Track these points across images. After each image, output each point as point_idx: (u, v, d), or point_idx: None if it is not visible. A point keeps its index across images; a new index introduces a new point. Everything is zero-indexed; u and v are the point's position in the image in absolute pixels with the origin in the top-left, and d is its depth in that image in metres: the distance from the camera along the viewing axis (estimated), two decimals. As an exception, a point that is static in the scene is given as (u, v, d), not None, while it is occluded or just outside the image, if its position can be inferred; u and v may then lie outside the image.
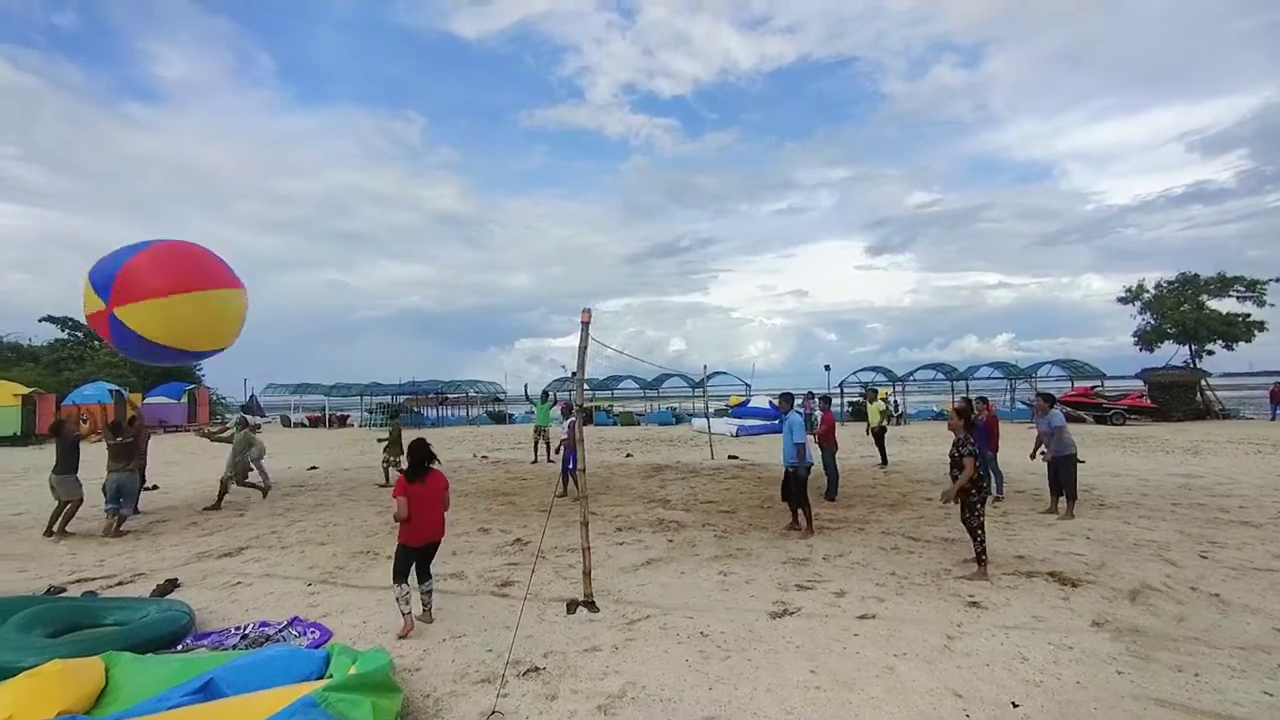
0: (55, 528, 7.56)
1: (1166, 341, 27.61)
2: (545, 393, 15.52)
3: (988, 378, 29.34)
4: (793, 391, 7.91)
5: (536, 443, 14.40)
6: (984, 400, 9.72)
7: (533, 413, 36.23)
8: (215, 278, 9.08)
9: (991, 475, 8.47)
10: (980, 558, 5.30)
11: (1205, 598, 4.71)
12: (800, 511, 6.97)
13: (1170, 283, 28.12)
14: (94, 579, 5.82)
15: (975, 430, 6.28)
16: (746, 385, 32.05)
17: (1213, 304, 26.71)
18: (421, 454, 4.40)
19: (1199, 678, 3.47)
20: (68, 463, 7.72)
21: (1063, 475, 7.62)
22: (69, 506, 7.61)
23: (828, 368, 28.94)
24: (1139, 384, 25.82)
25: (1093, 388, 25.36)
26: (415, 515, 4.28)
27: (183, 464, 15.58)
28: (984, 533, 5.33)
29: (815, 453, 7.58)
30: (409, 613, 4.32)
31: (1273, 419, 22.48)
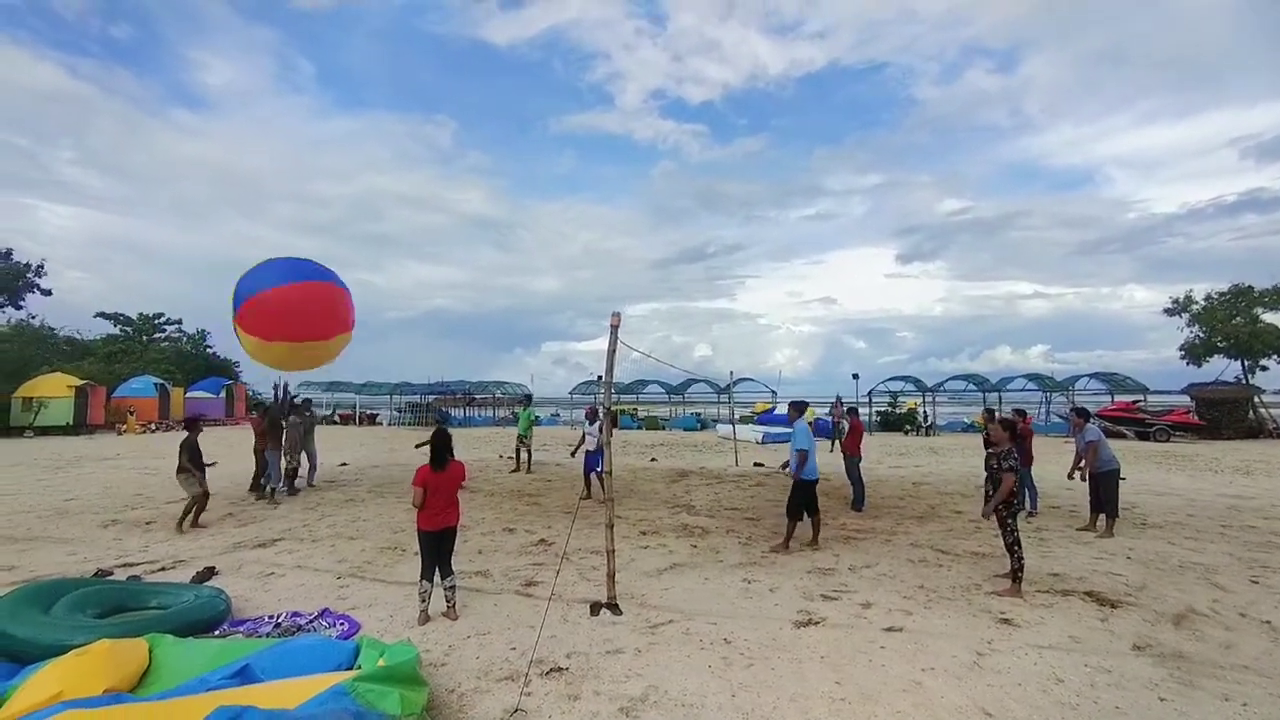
0: (185, 523, 7.53)
1: (1216, 356, 26.39)
2: (528, 395, 14.37)
3: (1022, 389, 28.50)
4: (806, 399, 7.61)
5: (519, 450, 13.10)
6: (1021, 413, 9.45)
7: (557, 415, 36.44)
8: (328, 328, 9.61)
9: (1025, 490, 8.22)
10: (1016, 574, 5.15)
11: (1256, 624, 4.49)
12: (791, 525, 6.61)
13: (1221, 294, 26.87)
14: (138, 564, 6.07)
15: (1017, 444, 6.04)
16: (773, 392, 31.75)
17: (1268, 317, 25.45)
18: (444, 444, 4.73)
19: (1247, 707, 3.31)
20: (192, 463, 7.68)
21: (1104, 491, 7.35)
22: (197, 503, 7.61)
23: (856, 376, 28.52)
24: (1184, 399, 24.75)
25: (1135, 402, 24.42)
26: (432, 502, 4.58)
27: (220, 457, 16.12)
28: (1021, 549, 5.18)
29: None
30: (424, 608, 4.59)
31: (1332, 439, 21.31)
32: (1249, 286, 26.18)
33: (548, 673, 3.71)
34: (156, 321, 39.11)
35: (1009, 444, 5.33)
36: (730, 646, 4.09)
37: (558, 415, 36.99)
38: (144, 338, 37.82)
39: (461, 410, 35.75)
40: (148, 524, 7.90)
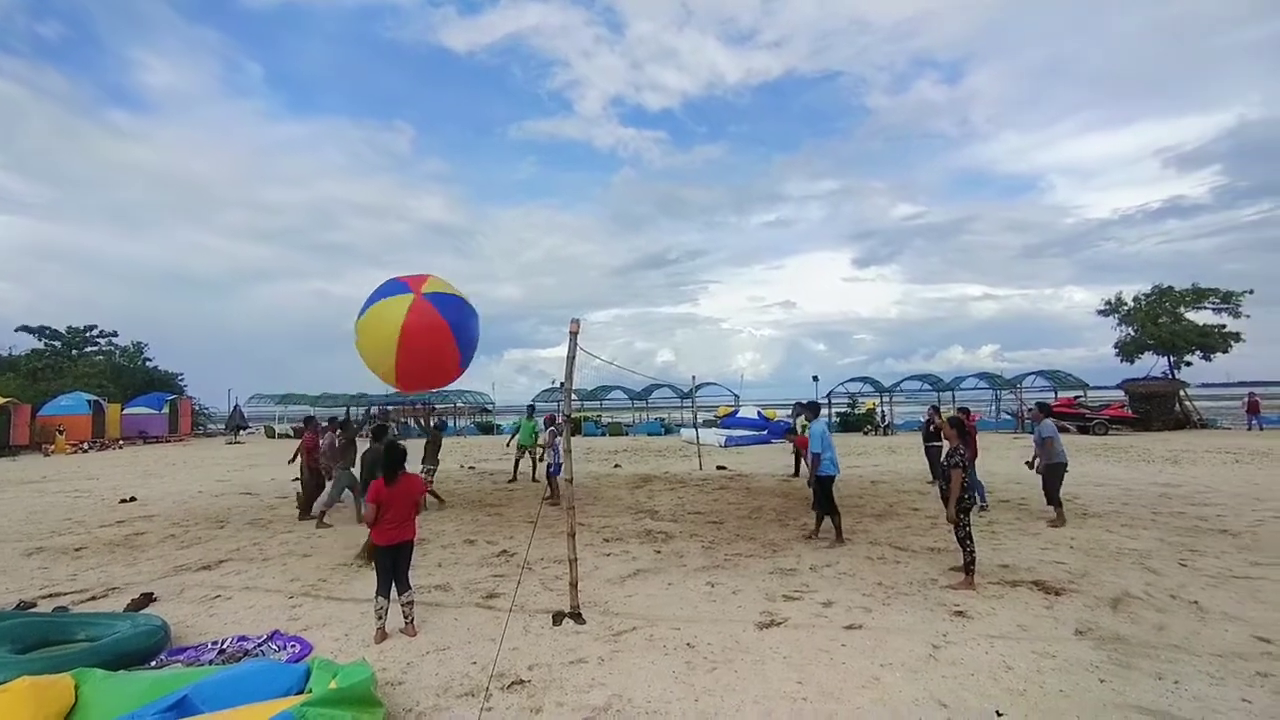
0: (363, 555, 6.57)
1: (1146, 353, 28.10)
2: (531, 406, 13.91)
3: (974, 388, 29.67)
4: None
5: (518, 460, 12.81)
6: (965, 410, 9.91)
7: (518, 424, 36.01)
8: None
9: (973, 485, 8.56)
10: (969, 567, 5.34)
11: (1185, 605, 4.77)
12: (835, 518, 7.06)
13: (1147, 295, 28.67)
14: (65, 594, 5.67)
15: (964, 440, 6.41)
16: (735, 396, 32.15)
17: (1190, 315, 27.25)
18: (398, 458, 4.64)
19: (1179, 685, 3.51)
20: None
21: (1046, 483, 7.81)
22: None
23: (816, 378, 29.22)
24: (1120, 394, 26.25)
25: (1076, 398, 25.75)
26: (387, 517, 4.49)
27: (162, 476, 15.29)
28: (973, 543, 5.38)
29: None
30: (381, 625, 4.44)
31: (1249, 429, 22.94)
32: (1169, 287, 28.02)
33: (509, 686, 3.63)
34: (88, 334, 36.77)
35: (957, 442, 5.53)
36: (694, 651, 4.09)
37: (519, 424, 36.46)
38: (73, 351, 35.49)
39: (423, 420, 34.85)
40: (77, 550, 7.40)
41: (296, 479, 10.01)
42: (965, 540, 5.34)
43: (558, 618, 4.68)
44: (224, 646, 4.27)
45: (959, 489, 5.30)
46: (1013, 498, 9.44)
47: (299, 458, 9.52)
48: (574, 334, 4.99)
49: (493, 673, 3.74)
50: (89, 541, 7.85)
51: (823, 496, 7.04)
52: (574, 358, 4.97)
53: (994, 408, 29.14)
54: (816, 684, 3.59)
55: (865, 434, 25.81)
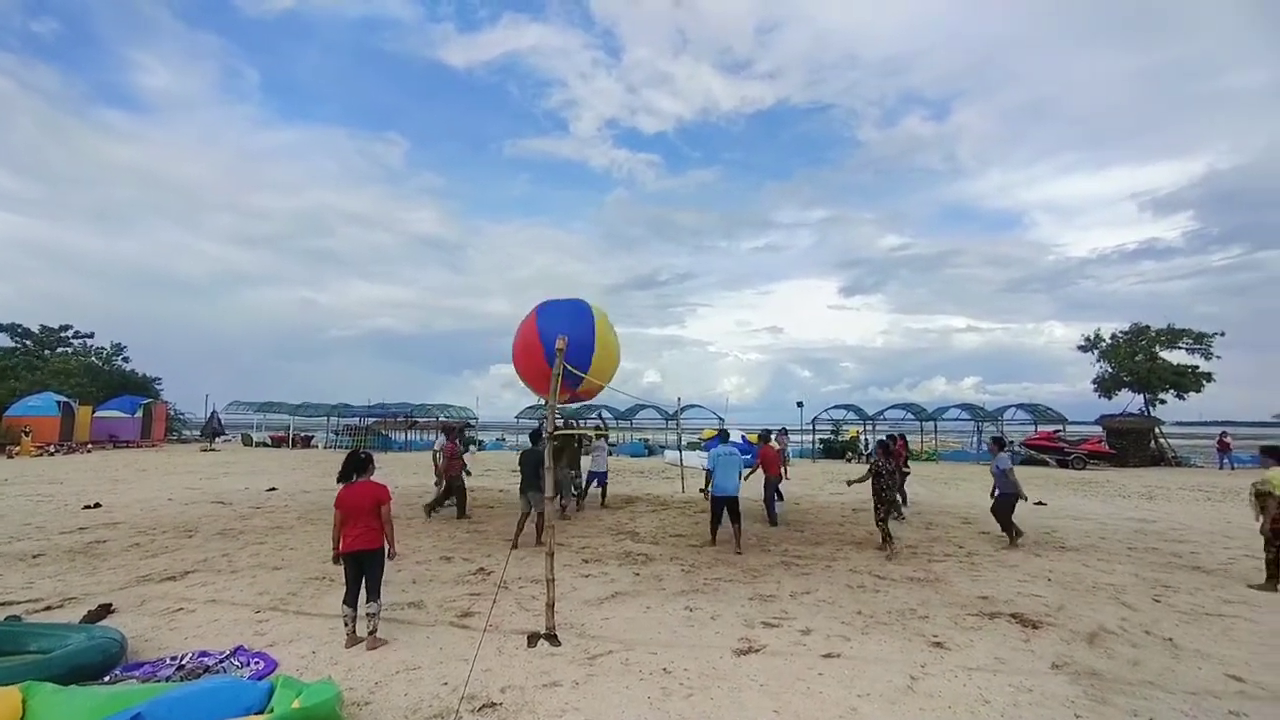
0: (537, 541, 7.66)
1: (1123, 389, 28.66)
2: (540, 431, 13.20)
3: (955, 419, 29.94)
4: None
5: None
6: (894, 438, 11.33)
7: (502, 440, 35.48)
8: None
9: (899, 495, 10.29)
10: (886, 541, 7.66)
11: (1159, 642, 4.80)
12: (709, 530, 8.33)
13: (1124, 333, 29.37)
14: (19, 602, 5.44)
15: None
16: (720, 419, 32.12)
17: (1165, 355, 27.92)
18: (350, 463, 4.74)
19: (1153, 722, 3.50)
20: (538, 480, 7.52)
21: (998, 511, 8.36)
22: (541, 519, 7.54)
23: (800, 404, 29.28)
24: (1097, 429, 26.66)
25: (1055, 432, 26.09)
26: (345, 522, 4.56)
27: (131, 482, 14.86)
28: (885, 526, 7.70)
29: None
30: (350, 630, 4.50)
31: (1220, 467, 23.36)
32: (1146, 326, 28.75)
33: (480, 709, 3.53)
34: (62, 334, 35.90)
35: (895, 460, 7.24)
36: (670, 676, 4.01)
37: (503, 440, 36.18)
38: (45, 351, 34.58)
39: (404, 434, 34.38)
40: (34, 557, 7.13)
41: (273, 490, 9.75)
42: (880, 523, 7.72)
43: (533, 639, 4.58)
44: (183, 662, 4.11)
45: (868, 476, 7.94)
46: (993, 530, 9.47)
47: (441, 464, 10.13)
48: (560, 351, 4.99)
49: (464, 694, 3.63)
50: (48, 548, 7.57)
51: (712, 512, 8.23)
52: (559, 375, 4.96)
53: (975, 439, 29.38)
54: (793, 713, 3.54)
55: (848, 461, 25.90)
